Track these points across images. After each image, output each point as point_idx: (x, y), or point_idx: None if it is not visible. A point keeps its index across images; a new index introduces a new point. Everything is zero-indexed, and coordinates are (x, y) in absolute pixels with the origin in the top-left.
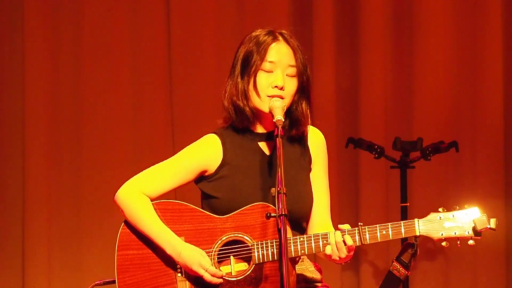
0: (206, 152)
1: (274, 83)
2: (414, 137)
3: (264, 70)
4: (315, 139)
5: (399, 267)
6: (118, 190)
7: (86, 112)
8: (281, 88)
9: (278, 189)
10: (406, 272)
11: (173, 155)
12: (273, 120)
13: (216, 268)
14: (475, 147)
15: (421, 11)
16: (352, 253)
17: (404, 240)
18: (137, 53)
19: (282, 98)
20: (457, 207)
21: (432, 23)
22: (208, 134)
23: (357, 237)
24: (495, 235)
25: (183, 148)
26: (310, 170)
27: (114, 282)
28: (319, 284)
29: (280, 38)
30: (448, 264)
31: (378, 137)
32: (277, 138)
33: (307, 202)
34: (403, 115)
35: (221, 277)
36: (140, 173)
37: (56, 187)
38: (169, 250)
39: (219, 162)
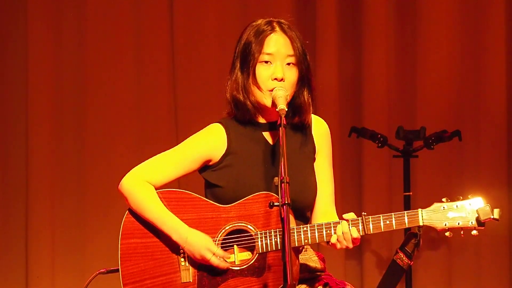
0: (210, 141)
1: (273, 75)
2: (417, 126)
3: (263, 62)
4: (319, 128)
5: (402, 256)
6: (123, 179)
7: (90, 102)
8: (281, 80)
9: (281, 178)
10: (409, 262)
11: (177, 145)
12: (276, 109)
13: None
14: (478, 136)
15: (424, 2)
16: (358, 243)
17: (407, 230)
18: (140, 44)
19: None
20: (461, 197)
21: (435, 12)
22: (212, 124)
23: (360, 227)
24: (499, 224)
25: (186, 138)
26: (314, 159)
27: (117, 270)
28: (322, 274)
29: (277, 28)
30: (452, 253)
31: (381, 126)
32: (280, 128)
33: (311, 191)
34: (406, 104)
35: (228, 261)
36: (145, 161)
37: (59, 177)
38: (175, 237)
39: (224, 151)
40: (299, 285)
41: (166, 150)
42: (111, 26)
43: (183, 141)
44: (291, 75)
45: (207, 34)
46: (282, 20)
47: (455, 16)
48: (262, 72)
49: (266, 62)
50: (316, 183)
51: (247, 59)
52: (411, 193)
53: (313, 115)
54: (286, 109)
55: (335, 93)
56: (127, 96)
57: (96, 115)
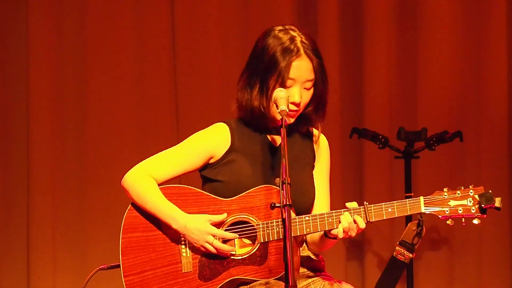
0: (214, 138)
1: (291, 99)
2: (418, 127)
3: (285, 86)
4: (321, 142)
5: (403, 250)
6: (126, 174)
7: (91, 100)
8: (298, 105)
9: (282, 179)
10: (411, 254)
11: (178, 143)
12: (277, 110)
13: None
14: (479, 137)
15: (426, 2)
16: (360, 231)
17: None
18: (142, 44)
19: (296, 112)
20: (462, 187)
21: (437, 13)
22: (217, 123)
23: (362, 215)
24: (500, 224)
25: (187, 137)
26: (313, 167)
27: (118, 266)
28: (321, 273)
29: (302, 50)
30: (453, 253)
31: (383, 127)
32: (281, 129)
33: (310, 196)
34: (408, 105)
35: (230, 240)
36: (149, 158)
37: (60, 175)
38: (174, 225)
39: (226, 149)
40: (303, 280)
41: (169, 148)
42: (113, 25)
43: (184, 139)
44: (307, 97)
45: (209, 34)
46: (304, 39)
47: (456, 17)
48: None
49: (287, 86)
50: (314, 189)
51: (270, 76)
52: (412, 194)
53: (314, 129)
54: (288, 110)
55: (337, 94)
56: (128, 95)
57: (97, 114)
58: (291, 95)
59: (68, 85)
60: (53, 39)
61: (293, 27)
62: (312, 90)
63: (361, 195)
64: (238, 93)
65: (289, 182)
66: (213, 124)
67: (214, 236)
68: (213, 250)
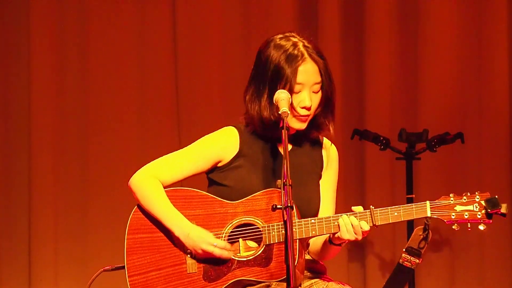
0: (223, 142)
1: (301, 103)
2: (419, 129)
3: (293, 92)
4: (330, 151)
5: (409, 257)
6: (133, 175)
7: (93, 105)
8: (309, 109)
9: (284, 181)
10: (418, 260)
11: (179, 146)
12: (278, 112)
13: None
14: (480, 138)
15: (427, 3)
16: (366, 235)
17: (411, 232)
18: (143, 46)
19: (308, 116)
20: (469, 193)
21: (437, 14)
22: (227, 126)
23: (368, 219)
24: (501, 225)
25: (189, 141)
26: (320, 176)
27: (123, 267)
28: (323, 275)
29: (306, 55)
30: (454, 254)
31: (384, 128)
32: (283, 130)
33: (315, 205)
34: (409, 106)
35: (230, 251)
36: (158, 159)
37: (62, 177)
38: (177, 232)
39: (235, 153)
40: (305, 281)
41: (176, 151)
42: (114, 27)
43: (185, 143)
44: (316, 100)
45: (210, 35)
46: (306, 43)
47: (457, 18)
48: (292, 100)
49: (296, 91)
50: (320, 197)
51: (278, 84)
52: (413, 196)
53: (325, 138)
54: (289, 112)
55: (338, 96)
56: (130, 99)
57: (98, 117)
58: (301, 100)
59: (70, 87)
60: (55, 41)
61: (293, 33)
62: (320, 93)
63: (362, 197)
64: (248, 106)
65: (290, 183)
66: (223, 128)
67: (214, 246)
68: (214, 255)
